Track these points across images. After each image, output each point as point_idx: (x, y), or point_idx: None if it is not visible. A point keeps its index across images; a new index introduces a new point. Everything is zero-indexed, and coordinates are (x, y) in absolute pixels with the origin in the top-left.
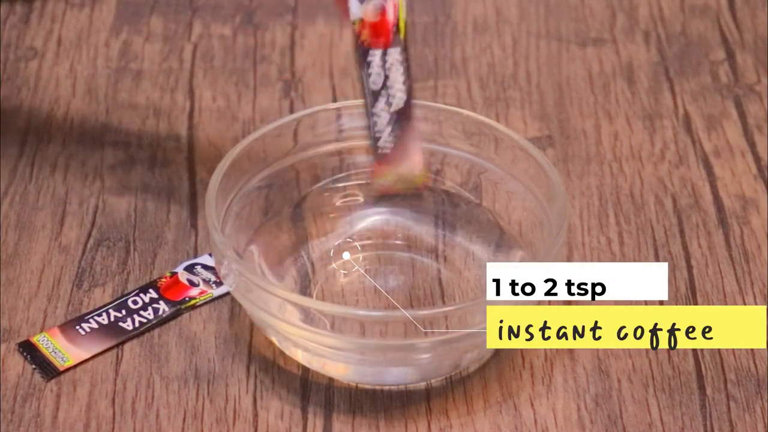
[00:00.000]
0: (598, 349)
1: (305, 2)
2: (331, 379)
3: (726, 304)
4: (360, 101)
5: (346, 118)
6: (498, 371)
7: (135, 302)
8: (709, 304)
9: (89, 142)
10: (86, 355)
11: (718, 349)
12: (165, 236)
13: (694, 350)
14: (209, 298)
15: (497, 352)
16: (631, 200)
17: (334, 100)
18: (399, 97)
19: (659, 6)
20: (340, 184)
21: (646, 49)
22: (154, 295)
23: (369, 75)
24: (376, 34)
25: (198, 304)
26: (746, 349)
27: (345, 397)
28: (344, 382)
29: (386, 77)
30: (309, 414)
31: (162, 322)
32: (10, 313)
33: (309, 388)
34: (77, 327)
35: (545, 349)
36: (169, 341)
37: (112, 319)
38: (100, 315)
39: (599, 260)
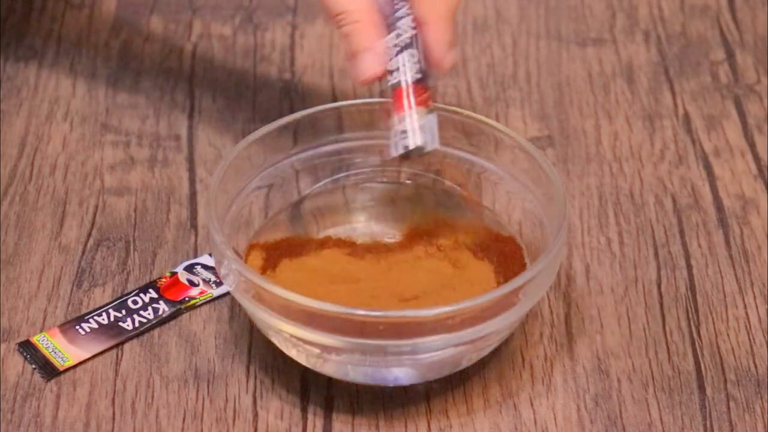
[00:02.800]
0: (598, 349)
1: (305, 2)
2: (331, 379)
3: (726, 304)
4: (359, 101)
5: (346, 118)
6: (498, 371)
7: (135, 302)
8: (709, 304)
9: (89, 142)
10: (86, 355)
11: (718, 349)
12: (165, 236)
13: (694, 350)
14: (209, 298)
15: (497, 352)
16: (630, 200)
17: (334, 100)
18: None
19: (659, 6)
20: (340, 184)
21: (646, 49)
22: (154, 295)
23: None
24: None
25: (198, 304)
26: (746, 349)
27: (345, 397)
28: (344, 381)
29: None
30: (309, 414)
31: (162, 322)
32: (10, 313)
33: (309, 388)
34: (77, 327)
35: (545, 349)
36: (169, 341)
37: (112, 319)
38: (100, 315)
39: (599, 260)
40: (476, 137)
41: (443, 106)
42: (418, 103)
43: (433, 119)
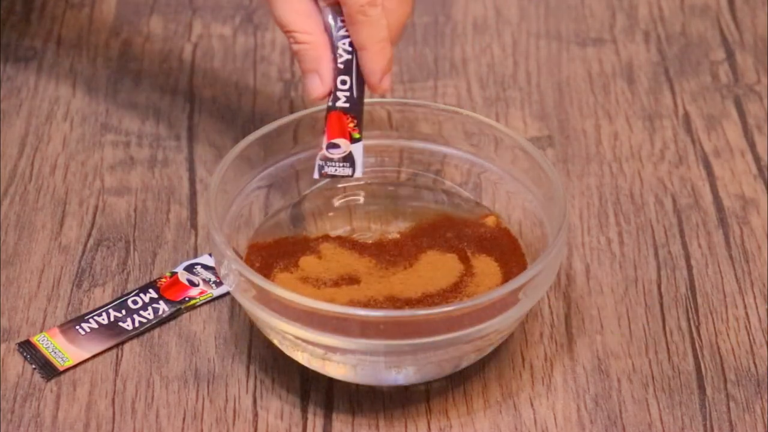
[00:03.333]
0: (598, 349)
1: None
2: (331, 379)
3: (726, 304)
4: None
5: None
6: (498, 371)
7: (135, 302)
8: (709, 304)
9: (89, 142)
10: (86, 355)
11: (718, 349)
12: (165, 236)
13: (694, 350)
14: (209, 298)
15: (497, 352)
16: (631, 200)
17: None
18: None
19: (659, 6)
20: (340, 185)
21: (646, 49)
22: (154, 295)
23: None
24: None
25: (198, 304)
26: (746, 349)
27: (345, 397)
28: (344, 381)
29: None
30: (309, 414)
31: (162, 322)
32: (10, 313)
33: (309, 388)
34: (77, 327)
35: (545, 349)
36: (169, 341)
37: (112, 319)
38: (100, 315)
39: (599, 260)
40: (476, 137)
41: (444, 105)
42: (343, 134)
43: (357, 147)
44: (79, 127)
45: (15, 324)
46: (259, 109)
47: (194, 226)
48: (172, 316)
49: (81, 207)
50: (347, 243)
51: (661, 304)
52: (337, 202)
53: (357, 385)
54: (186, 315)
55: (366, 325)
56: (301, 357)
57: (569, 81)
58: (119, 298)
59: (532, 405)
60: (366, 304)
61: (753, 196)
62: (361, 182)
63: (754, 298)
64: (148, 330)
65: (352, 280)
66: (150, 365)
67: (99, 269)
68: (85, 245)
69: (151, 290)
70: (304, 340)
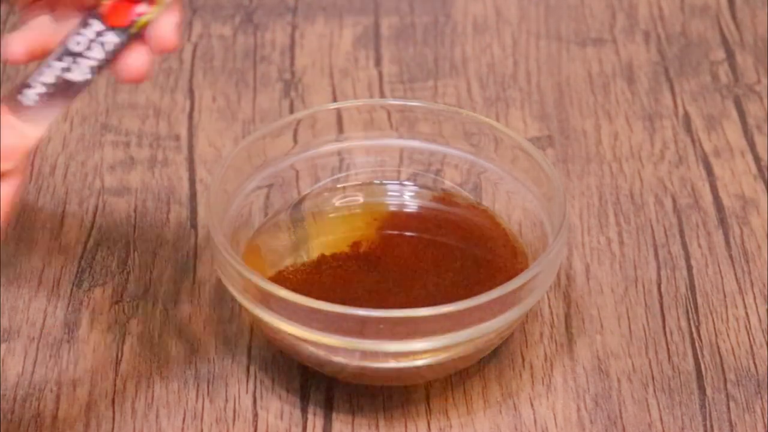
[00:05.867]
0: (598, 349)
1: (305, 2)
2: (331, 379)
3: (726, 304)
4: (359, 101)
5: (346, 118)
6: (498, 371)
7: (78, 43)
8: (709, 304)
9: (89, 142)
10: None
11: (718, 349)
12: (165, 236)
13: (694, 350)
14: (163, 6)
15: (497, 352)
16: (630, 200)
17: (334, 100)
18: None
19: (659, 6)
20: (340, 185)
21: (646, 49)
22: (100, 27)
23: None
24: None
25: (152, 18)
26: (746, 349)
27: (345, 397)
28: (344, 381)
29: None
30: (309, 414)
31: (114, 56)
32: (10, 313)
33: (309, 388)
34: (19, 97)
35: (545, 349)
36: (169, 341)
37: (59, 72)
38: (41, 75)
39: (599, 260)
40: (476, 137)
41: (444, 105)
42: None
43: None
44: (79, 127)
45: (15, 324)
46: (259, 109)
47: (194, 226)
48: (122, 46)
49: (81, 207)
50: (343, 257)
51: (661, 304)
52: (337, 202)
53: (357, 385)
54: (186, 315)
55: (366, 325)
56: (301, 357)
57: (569, 81)
58: (60, 47)
59: (532, 405)
60: (366, 305)
61: (753, 196)
62: (361, 182)
63: (754, 298)
64: (101, 72)
65: (353, 290)
66: (150, 365)
67: (99, 269)
68: (85, 245)
69: (92, 21)
70: (304, 340)
